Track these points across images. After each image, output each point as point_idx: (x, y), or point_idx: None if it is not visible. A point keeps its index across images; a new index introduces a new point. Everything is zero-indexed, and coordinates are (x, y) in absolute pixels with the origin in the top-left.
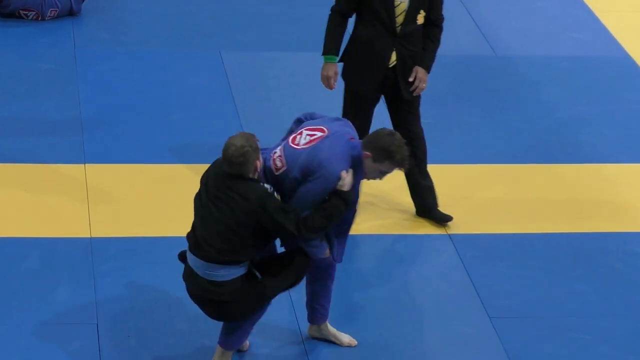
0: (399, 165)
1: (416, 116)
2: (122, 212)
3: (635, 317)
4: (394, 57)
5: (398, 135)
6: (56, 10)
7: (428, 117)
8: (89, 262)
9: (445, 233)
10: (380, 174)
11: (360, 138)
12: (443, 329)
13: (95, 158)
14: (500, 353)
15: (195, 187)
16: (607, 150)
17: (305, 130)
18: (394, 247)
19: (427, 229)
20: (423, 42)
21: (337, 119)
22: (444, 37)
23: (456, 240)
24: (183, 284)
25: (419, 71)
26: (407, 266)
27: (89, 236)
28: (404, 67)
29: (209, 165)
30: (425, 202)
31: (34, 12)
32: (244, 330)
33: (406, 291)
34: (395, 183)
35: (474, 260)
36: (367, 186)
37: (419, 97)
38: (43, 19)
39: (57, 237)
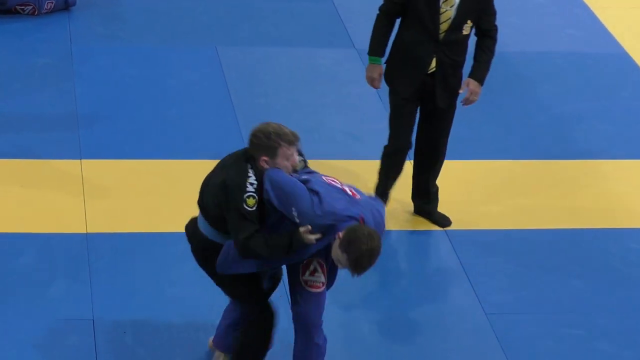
0: (351, 264)
1: (446, 127)
2: (118, 208)
3: (631, 313)
4: (433, 63)
5: (378, 240)
6: (52, 3)
7: None
8: (85, 258)
9: (442, 229)
10: (339, 263)
11: (403, 140)
12: (439, 326)
13: (92, 153)
14: (497, 349)
15: (192, 182)
16: (603, 146)
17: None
18: (390, 243)
19: (423, 225)
20: (475, 53)
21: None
22: None
23: (452, 236)
24: (179, 280)
25: (471, 83)
26: (403, 262)
27: (85, 232)
28: (443, 74)
29: (205, 160)
30: (428, 206)
31: (30, 7)
32: (223, 330)
33: (402, 287)
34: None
35: (470, 257)
36: (365, 184)
37: (454, 108)
38: (39, 13)
39: (53, 233)
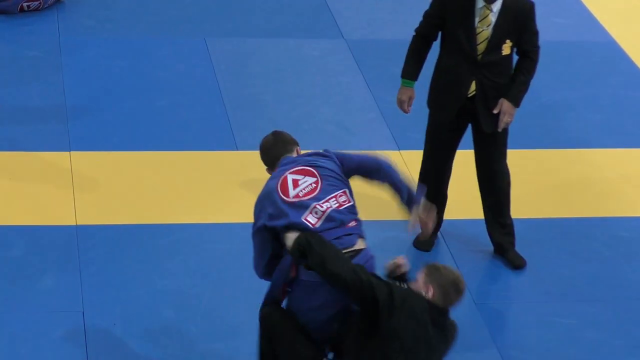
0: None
1: (500, 151)
2: (107, 200)
3: (621, 302)
4: (473, 86)
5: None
6: None
7: (413, 103)
8: (75, 250)
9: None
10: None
11: (440, 172)
12: None
13: (80, 145)
14: (487, 338)
15: (181, 173)
16: (592, 135)
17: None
18: (378, 233)
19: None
20: (513, 74)
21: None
22: None
23: (442, 225)
24: (169, 272)
25: (504, 104)
26: (393, 253)
27: (75, 224)
28: (485, 97)
29: (193, 152)
30: (499, 242)
31: (37, 2)
32: None
33: None
34: None
35: (459, 246)
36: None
37: (505, 131)
38: (43, 7)
39: (43, 225)
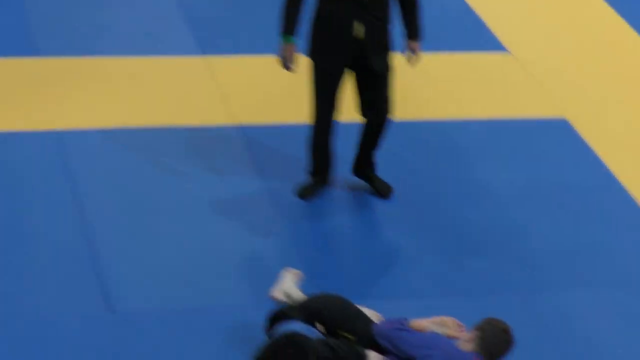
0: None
1: (389, 90)
2: None
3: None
4: (358, 26)
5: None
6: None
7: (220, 11)
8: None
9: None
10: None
11: (327, 121)
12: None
13: None
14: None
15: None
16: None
17: None
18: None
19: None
20: (402, 12)
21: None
22: None
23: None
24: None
25: (412, 44)
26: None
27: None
28: (372, 36)
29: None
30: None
31: None
32: None
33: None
34: None
35: (266, 154)
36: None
37: (391, 69)
38: None
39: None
